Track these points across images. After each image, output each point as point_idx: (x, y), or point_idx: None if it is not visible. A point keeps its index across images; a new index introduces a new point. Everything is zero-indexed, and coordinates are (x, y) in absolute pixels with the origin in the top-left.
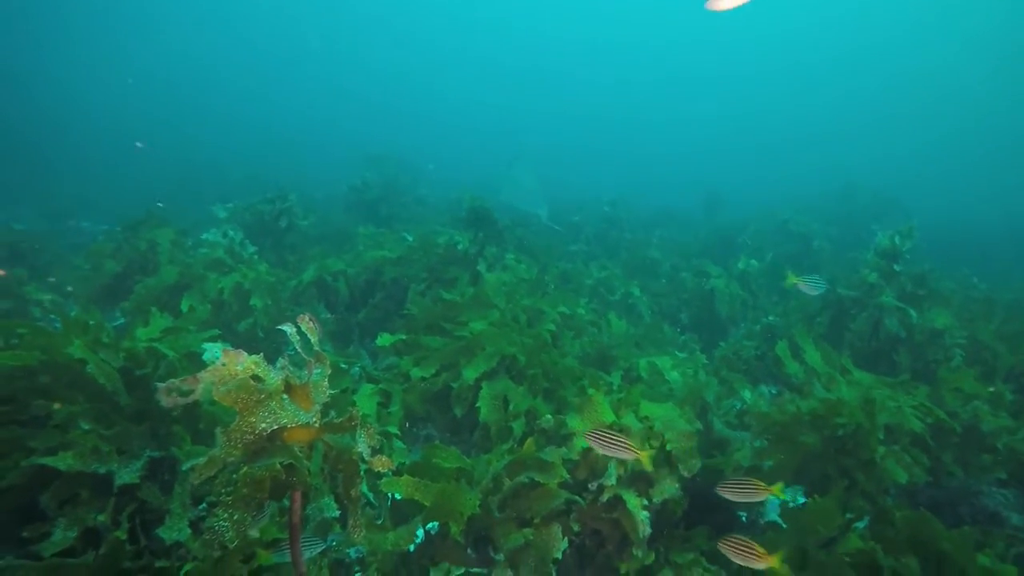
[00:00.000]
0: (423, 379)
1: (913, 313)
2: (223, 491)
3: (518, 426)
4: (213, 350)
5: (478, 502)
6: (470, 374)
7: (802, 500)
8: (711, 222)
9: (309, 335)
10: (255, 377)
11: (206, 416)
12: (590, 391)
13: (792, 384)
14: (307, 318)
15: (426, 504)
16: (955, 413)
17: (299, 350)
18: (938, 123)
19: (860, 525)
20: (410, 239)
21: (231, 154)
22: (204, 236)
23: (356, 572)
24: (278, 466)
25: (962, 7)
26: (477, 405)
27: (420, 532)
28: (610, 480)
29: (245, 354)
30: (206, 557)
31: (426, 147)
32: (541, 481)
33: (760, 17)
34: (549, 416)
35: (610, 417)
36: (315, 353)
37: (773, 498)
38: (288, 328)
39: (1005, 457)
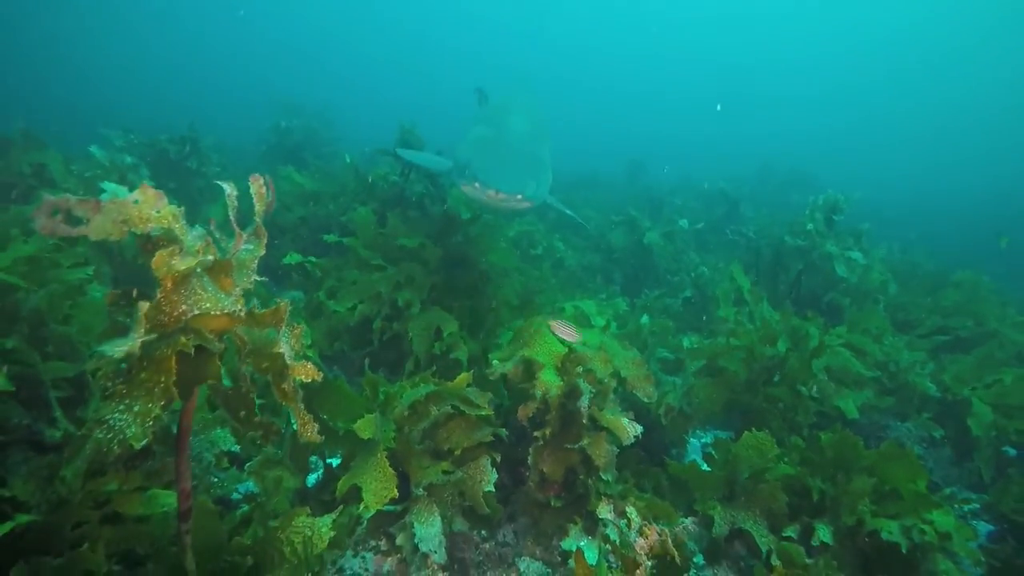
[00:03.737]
0: (337, 312)
1: (859, 256)
2: (114, 380)
3: (461, 354)
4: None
5: (393, 433)
6: (405, 298)
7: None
8: (634, 187)
9: (256, 202)
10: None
11: (56, 338)
12: (536, 320)
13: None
14: (261, 180)
15: (340, 427)
16: (864, 352)
17: (231, 218)
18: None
19: None
20: (349, 160)
21: (129, 93)
22: (92, 150)
23: (243, 508)
24: (184, 340)
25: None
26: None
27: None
28: (583, 403)
29: (166, 199)
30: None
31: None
32: (466, 411)
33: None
34: (496, 361)
35: (556, 346)
36: (255, 226)
37: (694, 440)
38: (227, 187)
39: (907, 393)
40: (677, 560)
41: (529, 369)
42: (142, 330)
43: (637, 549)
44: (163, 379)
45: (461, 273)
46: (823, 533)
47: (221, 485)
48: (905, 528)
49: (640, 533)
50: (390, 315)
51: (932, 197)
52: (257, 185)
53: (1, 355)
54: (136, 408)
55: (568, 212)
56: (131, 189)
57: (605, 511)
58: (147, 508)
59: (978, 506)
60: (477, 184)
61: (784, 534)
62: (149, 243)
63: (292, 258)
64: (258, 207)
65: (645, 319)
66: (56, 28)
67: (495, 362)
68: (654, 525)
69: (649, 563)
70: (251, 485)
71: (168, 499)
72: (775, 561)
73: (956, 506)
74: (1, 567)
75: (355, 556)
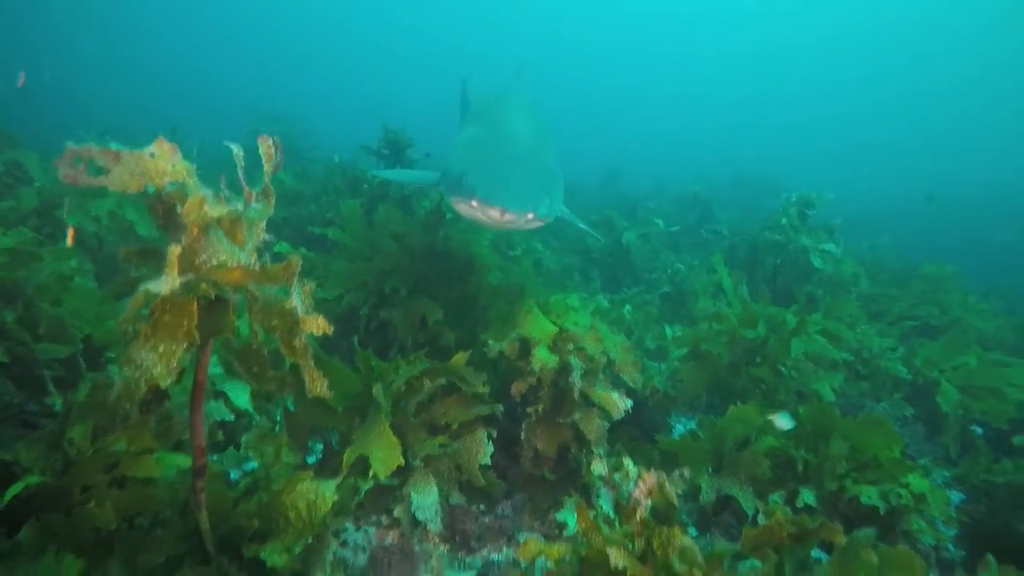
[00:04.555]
0: (324, 300)
1: (833, 248)
2: (135, 324)
3: (448, 340)
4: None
5: (390, 407)
6: (392, 287)
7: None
8: (609, 194)
9: (265, 162)
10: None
11: (49, 320)
12: (526, 304)
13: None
14: (269, 140)
15: (337, 407)
16: (839, 338)
17: (240, 176)
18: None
19: None
20: (337, 159)
21: (103, 99)
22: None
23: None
24: (206, 287)
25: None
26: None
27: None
28: (575, 378)
29: (180, 154)
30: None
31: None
32: (463, 388)
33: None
34: (491, 341)
35: (549, 326)
36: (263, 185)
37: (679, 426)
38: (234, 147)
39: (880, 378)
40: (674, 502)
41: (525, 346)
42: (175, 272)
43: (636, 494)
44: (186, 322)
45: (446, 264)
46: (807, 496)
47: (220, 463)
48: (883, 493)
49: (639, 478)
50: (376, 303)
51: (899, 203)
52: (265, 145)
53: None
54: (161, 349)
55: (582, 226)
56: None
57: (599, 468)
58: (155, 471)
59: (948, 475)
60: (475, 202)
61: (770, 499)
62: (160, 202)
63: (282, 247)
64: (267, 167)
65: (627, 309)
66: (29, 30)
67: (490, 342)
68: (651, 471)
69: (648, 503)
70: (253, 466)
71: (176, 461)
72: (762, 521)
73: (930, 477)
74: (14, 529)
75: (358, 530)
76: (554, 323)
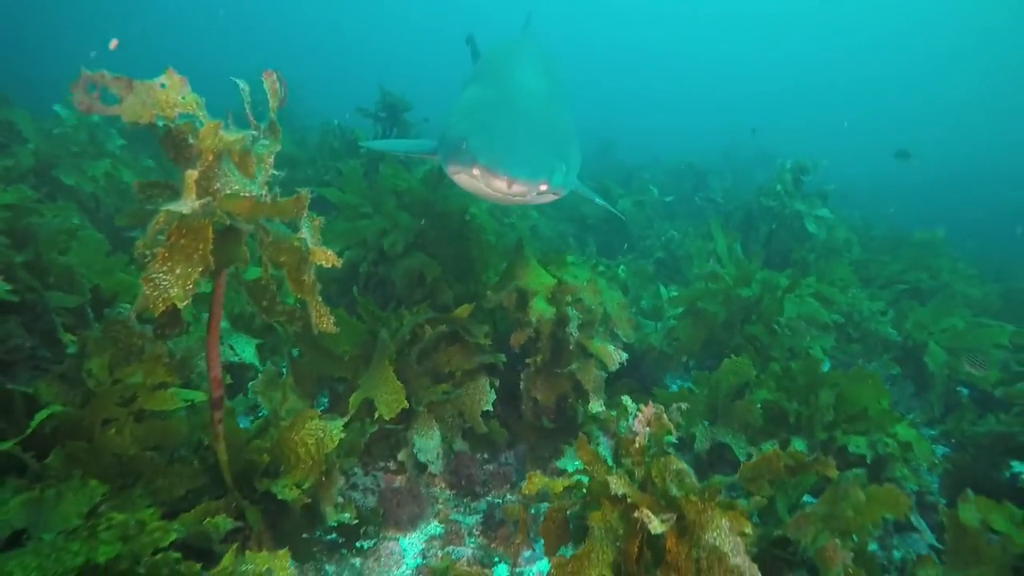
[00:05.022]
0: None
1: (827, 213)
2: (153, 248)
3: (447, 297)
4: None
5: (394, 353)
6: (391, 243)
7: None
8: (605, 163)
9: (270, 97)
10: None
11: (59, 269)
12: (525, 257)
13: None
14: (274, 75)
15: (342, 355)
16: (832, 301)
17: (247, 112)
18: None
19: None
20: (336, 122)
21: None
22: (56, 108)
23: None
24: (221, 213)
25: None
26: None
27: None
28: (572, 329)
29: (188, 85)
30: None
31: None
32: (467, 338)
33: None
34: (490, 292)
35: (547, 278)
36: (269, 121)
37: (674, 387)
38: (241, 83)
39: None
40: (672, 432)
41: (522, 298)
42: (193, 195)
43: (635, 424)
44: (201, 247)
45: (445, 222)
46: (798, 445)
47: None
48: (871, 442)
49: (638, 411)
50: (376, 260)
51: (891, 178)
52: (270, 80)
53: (8, 271)
54: (178, 271)
55: (599, 201)
56: (104, 146)
57: (597, 407)
58: (171, 404)
59: (934, 432)
60: (477, 170)
61: (762, 448)
62: (170, 136)
63: None
64: (272, 102)
65: (622, 268)
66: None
67: (488, 292)
68: (649, 404)
69: (647, 431)
70: (263, 414)
71: (189, 396)
72: None
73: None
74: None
75: (367, 475)
76: (553, 275)
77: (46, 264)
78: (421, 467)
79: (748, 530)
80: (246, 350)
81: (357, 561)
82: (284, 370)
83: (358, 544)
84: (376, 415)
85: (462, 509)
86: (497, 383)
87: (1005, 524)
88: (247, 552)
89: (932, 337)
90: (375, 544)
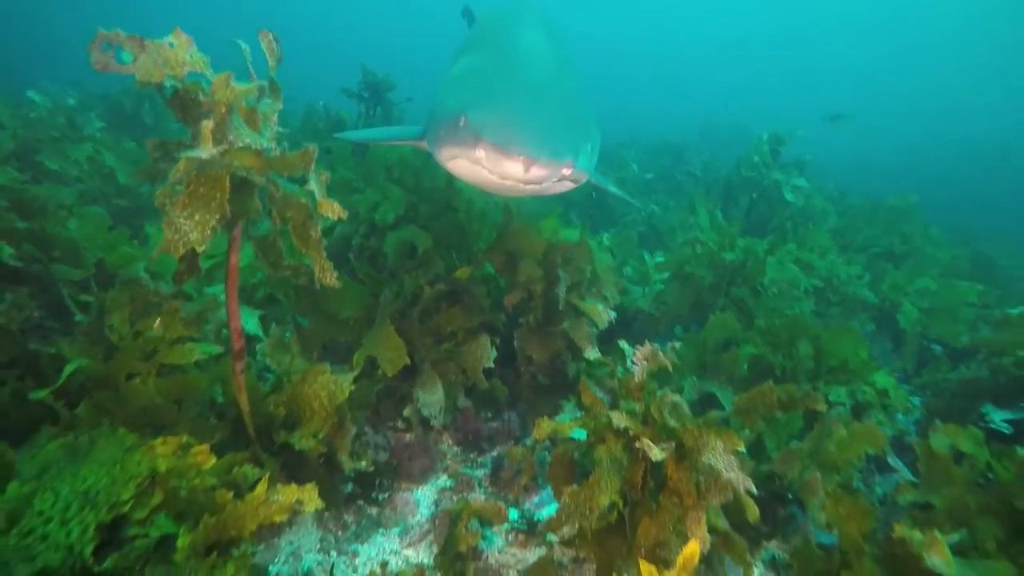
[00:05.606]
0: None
1: (803, 182)
2: (171, 198)
3: (438, 268)
4: None
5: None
6: (382, 215)
7: None
8: None
9: (268, 56)
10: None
11: (64, 243)
12: (515, 222)
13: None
14: (270, 35)
15: (349, 314)
16: (812, 266)
17: (251, 71)
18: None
19: None
20: (322, 103)
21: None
22: (30, 94)
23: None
24: (237, 164)
25: None
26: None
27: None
28: (561, 289)
29: (194, 44)
30: (95, 354)
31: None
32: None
33: None
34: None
35: (537, 240)
36: (269, 80)
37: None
38: (241, 44)
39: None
40: (669, 367)
41: (512, 260)
42: (210, 143)
43: (634, 359)
44: (219, 195)
45: (435, 195)
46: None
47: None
48: (851, 391)
49: (635, 350)
50: (367, 233)
51: (869, 156)
52: (267, 40)
53: (15, 243)
54: (197, 217)
55: (613, 189)
56: (83, 130)
57: (593, 354)
58: (190, 357)
59: (910, 387)
60: (482, 150)
61: None
62: (177, 97)
63: None
64: (270, 62)
65: (606, 236)
66: None
67: (480, 254)
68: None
69: (645, 366)
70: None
71: (208, 349)
72: None
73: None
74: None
75: (377, 433)
76: (543, 238)
77: (51, 237)
78: (428, 424)
79: (741, 448)
80: (249, 321)
81: (374, 511)
82: (288, 335)
83: (374, 495)
84: (380, 372)
85: (469, 463)
86: (498, 341)
87: (970, 445)
88: (277, 486)
89: (907, 297)
90: (390, 495)
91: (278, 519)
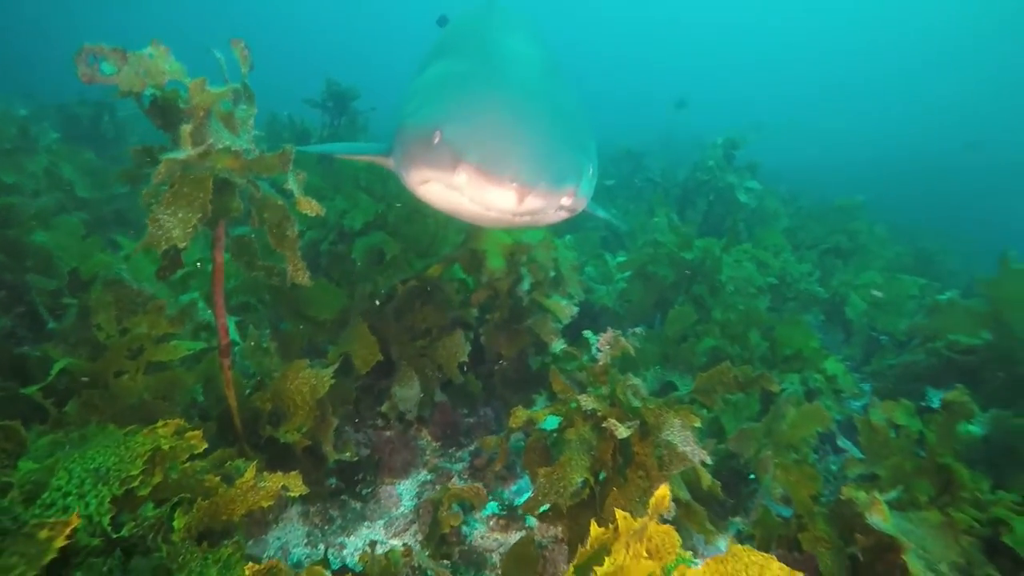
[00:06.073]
0: None
1: (755, 184)
2: (157, 198)
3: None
4: None
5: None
6: (350, 221)
7: None
8: None
9: (241, 63)
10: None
11: (37, 253)
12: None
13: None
14: (242, 43)
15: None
16: (766, 264)
17: (226, 79)
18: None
19: None
20: (286, 113)
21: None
22: None
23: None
24: (219, 166)
25: None
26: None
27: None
28: (524, 287)
29: (171, 53)
30: (80, 354)
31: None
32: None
33: None
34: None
35: (503, 238)
36: (242, 84)
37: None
38: (218, 52)
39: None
40: (632, 352)
41: (476, 258)
42: (190, 145)
43: (599, 343)
44: (201, 195)
45: (403, 199)
46: None
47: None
48: (803, 379)
49: (598, 340)
50: (336, 240)
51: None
52: (239, 48)
53: None
54: (180, 215)
55: (602, 214)
56: (38, 141)
57: (559, 345)
58: (175, 354)
59: (860, 376)
60: (464, 174)
61: None
62: (155, 106)
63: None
64: (243, 68)
65: (568, 238)
66: None
67: (445, 252)
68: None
69: (608, 352)
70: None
71: (192, 346)
72: None
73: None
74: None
75: (358, 431)
76: (510, 238)
77: (24, 247)
78: (407, 422)
79: (698, 423)
80: None
81: (358, 505)
82: (264, 343)
83: (358, 490)
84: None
85: (448, 458)
86: (472, 336)
87: (905, 417)
88: (264, 473)
89: (855, 291)
90: (373, 489)
91: (266, 504)
